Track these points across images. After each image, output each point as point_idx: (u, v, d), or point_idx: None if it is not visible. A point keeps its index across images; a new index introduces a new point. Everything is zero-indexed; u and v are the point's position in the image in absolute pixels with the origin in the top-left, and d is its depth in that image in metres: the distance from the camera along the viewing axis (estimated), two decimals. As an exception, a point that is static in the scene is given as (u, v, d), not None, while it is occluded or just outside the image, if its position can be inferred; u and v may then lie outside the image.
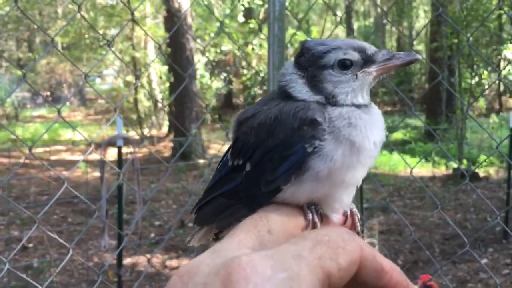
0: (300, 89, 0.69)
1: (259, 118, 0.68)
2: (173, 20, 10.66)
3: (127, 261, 5.50)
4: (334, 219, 0.68)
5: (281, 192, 0.65)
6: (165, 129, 14.33)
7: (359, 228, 0.70)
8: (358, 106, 0.68)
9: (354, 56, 0.68)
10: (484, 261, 5.61)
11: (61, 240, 1.81)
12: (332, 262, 0.48)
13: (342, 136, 0.64)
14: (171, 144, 11.80)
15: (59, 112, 1.77)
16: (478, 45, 10.09)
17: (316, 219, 0.64)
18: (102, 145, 5.84)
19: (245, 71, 14.12)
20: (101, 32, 12.77)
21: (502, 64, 11.67)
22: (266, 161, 0.66)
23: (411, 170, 2.20)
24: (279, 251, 0.48)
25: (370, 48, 0.69)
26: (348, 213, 0.70)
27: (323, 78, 0.69)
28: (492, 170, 9.49)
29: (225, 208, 0.72)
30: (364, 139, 0.65)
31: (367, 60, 0.69)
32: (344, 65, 0.68)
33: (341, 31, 21.29)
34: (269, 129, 0.66)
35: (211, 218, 0.74)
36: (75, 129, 2.04)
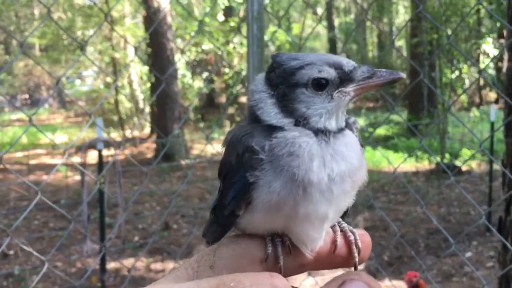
0: (269, 111, 0.62)
1: (227, 139, 0.65)
2: (152, 19, 10.55)
3: (111, 265, 5.41)
4: (306, 253, 0.61)
5: (239, 218, 0.62)
6: (147, 130, 14.19)
7: (356, 260, 0.62)
8: (324, 132, 0.60)
9: (330, 73, 0.61)
10: (468, 254, 5.66)
11: (36, 253, 1.74)
12: None
13: (280, 167, 0.58)
14: (154, 145, 11.68)
15: (30, 120, 1.70)
16: (458, 40, 10.17)
17: (279, 252, 0.60)
18: (82, 148, 5.74)
19: (226, 70, 14.05)
20: (79, 33, 12.59)
21: (481, 58, 11.79)
22: (225, 184, 0.64)
23: (395, 169, 2.17)
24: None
25: (348, 64, 0.62)
26: (339, 241, 0.62)
27: (295, 97, 0.61)
28: (474, 164, 9.59)
29: (211, 225, 0.70)
30: (308, 172, 0.58)
31: (344, 78, 0.61)
32: (319, 84, 0.61)
33: (322, 28, 21.35)
34: (227, 152, 0.64)
35: (206, 234, 0.72)
36: (46, 135, 1.96)
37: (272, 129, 0.61)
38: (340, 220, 0.65)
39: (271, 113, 0.62)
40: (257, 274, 0.52)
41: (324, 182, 0.58)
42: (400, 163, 2.55)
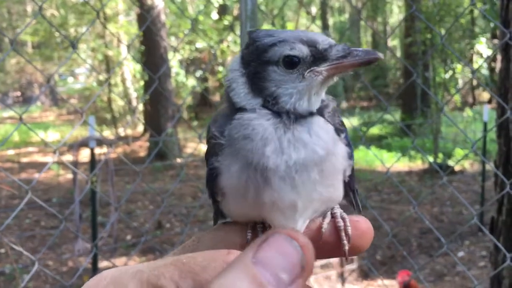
0: (239, 91, 0.59)
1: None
2: (146, 17, 10.50)
3: (103, 264, 5.38)
4: None
5: (220, 205, 0.61)
6: (140, 128, 14.14)
7: (346, 247, 0.57)
8: (290, 114, 0.57)
9: (303, 51, 0.57)
10: (460, 254, 5.68)
11: (25, 253, 1.72)
12: (159, 281, 0.46)
13: (236, 151, 0.56)
14: (147, 144, 11.64)
15: (21, 118, 1.68)
16: (451, 40, 10.21)
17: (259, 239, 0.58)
18: (74, 146, 5.70)
19: (220, 68, 14.02)
20: (72, 30, 12.51)
21: (475, 58, 11.84)
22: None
23: (388, 169, 2.16)
24: (141, 266, 0.49)
25: (323, 42, 0.57)
26: (324, 226, 0.58)
27: (266, 76, 0.58)
28: (467, 164, 9.64)
29: (213, 214, 0.69)
30: (262, 157, 0.55)
31: (317, 57, 0.57)
32: (290, 62, 0.57)
33: (316, 27, 21.37)
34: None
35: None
36: (37, 134, 1.94)
37: (238, 111, 0.58)
38: (335, 207, 0.61)
39: (241, 94, 0.59)
40: (215, 251, 0.50)
41: (282, 169, 0.55)
42: (393, 163, 2.54)
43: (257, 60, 0.59)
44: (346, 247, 0.57)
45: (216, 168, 0.58)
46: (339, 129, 0.59)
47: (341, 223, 0.58)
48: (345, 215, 0.59)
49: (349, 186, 0.63)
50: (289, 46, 0.57)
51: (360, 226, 0.58)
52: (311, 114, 0.58)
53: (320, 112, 0.59)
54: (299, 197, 0.56)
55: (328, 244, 0.58)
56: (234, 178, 0.56)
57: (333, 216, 0.59)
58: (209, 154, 0.60)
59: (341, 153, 0.59)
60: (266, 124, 0.56)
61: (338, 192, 0.61)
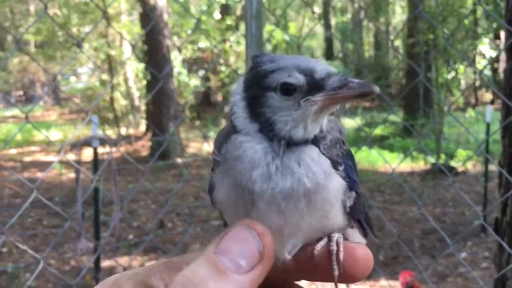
0: (239, 115, 0.60)
1: None
2: (148, 17, 10.51)
3: (105, 263, 5.39)
4: (277, 260, 0.57)
5: (223, 215, 0.63)
6: (143, 127, 14.15)
7: (335, 272, 0.57)
8: (284, 141, 0.57)
9: (299, 79, 0.57)
10: (463, 255, 5.67)
11: (30, 251, 1.72)
12: (149, 280, 0.49)
13: (228, 170, 0.57)
14: (149, 143, 11.65)
15: (26, 116, 1.68)
16: (454, 40, 10.20)
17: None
18: (77, 145, 5.71)
19: (223, 68, 14.02)
20: (75, 29, 12.52)
21: (477, 59, 11.82)
22: None
23: (393, 170, 2.16)
24: (139, 269, 0.53)
25: (321, 72, 0.57)
26: (317, 249, 0.58)
27: (265, 101, 0.58)
28: (469, 165, 9.62)
29: None
30: (249, 179, 0.55)
31: (314, 86, 0.57)
32: (287, 89, 0.57)
33: (318, 27, 21.37)
34: None
35: None
36: (42, 133, 1.94)
37: (237, 132, 0.60)
38: (336, 233, 0.60)
39: (240, 118, 0.60)
40: (204, 250, 0.51)
41: (268, 194, 0.55)
42: (398, 164, 2.54)
43: (257, 85, 0.59)
44: (335, 272, 0.57)
45: (214, 182, 0.60)
46: (336, 162, 0.58)
47: (334, 248, 0.58)
48: (341, 240, 0.58)
49: (352, 216, 0.62)
50: (287, 73, 0.57)
51: (355, 253, 0.57)
52: (306, 143, 0.58)
53: (317, 142, 0.58)
54: (286, 223, 0.56)
55: (320, 268, 0.58)
56: (225, 195, 0.58)
57: (330, 239, 0.59)
58: (212, 167, 0.62)
59: (335, 186, 0.58)
60: (257, 148, 0.57)
61: (334, 222, 0.59)
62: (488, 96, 17.45)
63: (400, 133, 12.82)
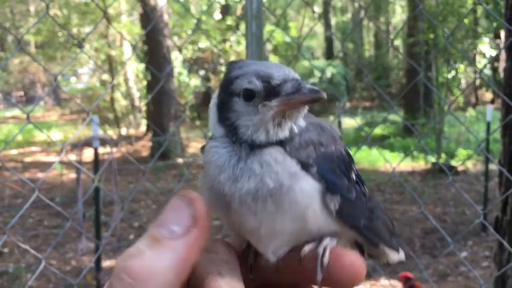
0: (212, 121, 0.63)
1: None
2: (149, 17, 10.52)
3: (106, 263, 5.39)
4: (263, 261, 0.59)
5: None
6: (143, 128, 14.16)
7: (318, 276, 0.56)
8: (246, 144, 0.58)
9: (256, 85, 0.58)
10: (464, 254, 5.67)
11: (32, 251, 1.73)
12: None
13: (204, 173, 0.60)
14: (150, 143, 11.65)
15: (28, 117, 1.69)
16: (454, 40, 10.19)
17: (250, 252, 0.61)
18: (78, 146, 5.71)
19: (223, 68, 13.99)
20: (75, 30, 12.53)
21: (477, 58, 11.83)
22: None
23: (393, 169, 2.16)
24: None
25: (277, 78, 0.58)
26: (304, 251, 0.58)
27: (231, 106, 0.60)
28: (470, 164, 9.62)
29: None
30: (218, 182, 0.58)
31: (270, 92, 0.58)
32: (248, 95, 0.59)
33: (319, 27, 21.36)
34: None
35: None
36: (44, 132, 1.95)
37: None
38: (327, 237, 0.59)
39: (212, 122, 0.63)
40: None
41: (237, 196, 0.57)
42: (398, 163, 2.54)
43: (226, 91, 0.61)
44: (318, 276, 0.57)
45: (199, 186, 0.62)
46: (306, 163, 0.58)
47: (320, 251, 0.57)
48: (329, 245, 0.58)
49: (345, 222, 0.60)
50: (247, 79, 0.58)
51: (342, 260, 0.56)
52: (270, 144, 0.58)
53: (284, 144, 0.59)
54: (261, 225, 0.57)
55: (307, 271, 0.57)
56: (206, 198, 0.58)
57: (319, 243, 0.59)
58: None
59: (304, 188, 0.57)
60: (222, 152, 0.59)
61: (314, 225, 0.58)
62: (488, 95, 17.45)
63: (400, 132, 12.82)
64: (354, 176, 0.64)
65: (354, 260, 0.56)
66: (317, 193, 0.57)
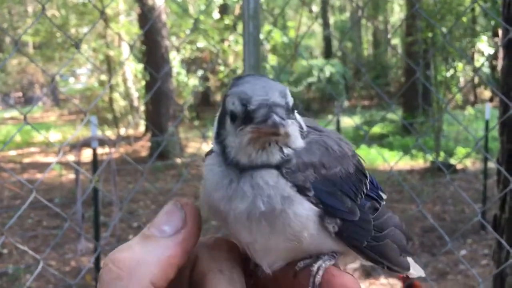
0: (213, 132, 0.62)
1: None
2: (147, 17, 10.51)
3: (105, 264, 5.38)
4: (260, 271, 0.59)
5: None
6: (142, 128, 14.16)
7: None
8: (237, 165, 0.58)
9: (237, 108, 0.57)
10: (463, 252, 5.68)
11: (31, 252, 1.73)
12: None
13: (204, 186, 0.61)
14: (149, 144, 11.65)
15: (25, 117, 1.68)
16: (452, 38, 10.20)
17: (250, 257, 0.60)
18: (77, 146, 5.71)
19: (221, 68, 14.03)
20: (73, 30, 12.52)
21: (476, 56, 11.83)
22: None
23: (391, 168, 2.17)
24: None
25: (254, 102, 0.55)
26: (299, 265, 0.58)
27: (224, 123, 0.59)
28: (468, 162, 9.63)
29: None
30: (214, 200, 0.58)
31: (247, 117, 0.56)
32: (231, 116, 0.58)
33: (317, 26, 21.37)
34: None
35: None
36: (41, 133, 1.94)
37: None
38: (326, 254, 0.59)
39: (212, 136, 0.62)
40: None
41: (232, 215, 0.57)
42: (396, 162, 2.54)
43: (223, 106, 0.60)
44: None
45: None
46: (303, 187, 0.56)
47: (313, 269, 0.57)
48: (325, 264, 0.58)
49: (344, 243, 0.60)
50: (232, 101, 0.57)
51: (333, 281, 0.56)
52: (264, 167, 0.57)
53: (278, 166, 0.57)
54: (256, 242, 0.57)
55: (302, 287, 0.57)
56: (205, 208, 0.59)
57: (315, 261, 0.59)
58: None
59: (299, 211, 0.56)
60: (216, 171, 0.58)
61: (313, 246, 0.58)
62: (487, 93, 17.46)
63: (399, 131, 12.82)
64: (363, 193, 0.63)
65: (345, 282, 0.56)
66: (314, 216, 0.57)
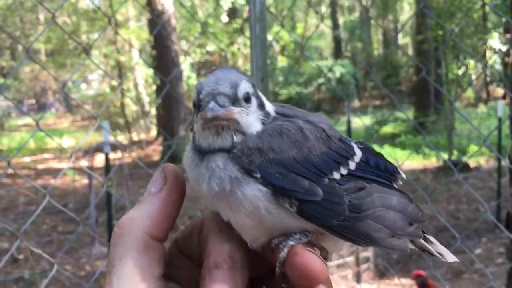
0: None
1: None
2: (156, 22, 10.58)
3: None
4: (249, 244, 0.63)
5: None
6: (154, 132, 14.24)
7: (276, 270, 0.59)
8: (201, 150, 0.63)
9: (194, 97, 0.63)
10: (478, 251, 5.63)
11: (45, 255, 1.75)
12: None
13: None
14: (161, 148, 11.71)
15: (37, 124, 1.71)
16: (463, 35, 10.12)
17: None
18: (89, 152, 5.77)
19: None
20: (84, 37, 12.64)
21: (488, 53, 11.72)
22: None
23: (399, 166, 2.16)
24: None
25: (204, 92, 0.61)
26: (273, 242, 0.61)
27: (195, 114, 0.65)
28: (482, 160, 9.54)
29: None
30: (190, 182, 0.64)
31: (199, 105, 0.62)
32: (193, 104, 0.64)
33: (326, 27, 21.32)
34: None
35: None
36: (53, 138, 1.97)
37: None
38: (298, 233, 0.61)
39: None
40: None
41: (205, 194, 0.62)
42: (404, 160, 2.54)
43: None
44: (276, 269, 0.59)
45: None
46: (249, 169, 0.60)
47: (281, 247, 0.59)
48: (290, 242, 0.59)
49: (311, 222, 0.61)
50: (195, 90, 0.63)
51: (294, 259, 0.58)
52: (218, 151, 0.62)
53: (228, 150, 0.61)
54: (230, 218, 0.61)
55: (275, 263, 0.60)
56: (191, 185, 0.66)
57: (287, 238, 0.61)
58: None
59: (247, 192, 0.59)
60: (188, 156, 0.65)
61: (278, 224, 0.60)
62: (500, 91, 17.28)
63: (411, 130, 12.74)
64: (341, 174, 0.63)
65: (306, 261, 0.57)
66: (263, 196, 0.59)
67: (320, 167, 0.62)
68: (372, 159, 0.70)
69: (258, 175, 0.60)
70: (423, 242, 0.70)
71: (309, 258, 0.57)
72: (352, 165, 0.66)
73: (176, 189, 0.63)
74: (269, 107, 0.66)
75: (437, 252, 0.69)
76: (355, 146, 0.69)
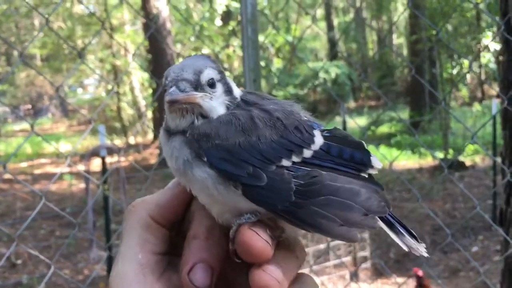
0: None
1: None
2: (151, 26, 10.60)
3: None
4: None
5: None
6: (150, 136, 14.24)
7: (230, 247, 0.64)
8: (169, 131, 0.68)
9: (163, 81, 0.68)
10: (475, 249, 5.66)
11: (42, 257, 1.76)
12: None
13: None
14: (158, 151, 11.71)
15: (32, 127, 1.73)
16: (457, 35, 10.16)
17: None
18: (86, 156, 5.78)
19: (227, 73, 14.05)
20: (79, 41, 12.65)
21: (482, 52, 11.76)
22: None
23: (390, 163, 2.19)
24: None
25: (170, 77, 0.67)
26: (234, 222, 0.64)
27: None
28: (478, 158, 9.58)
29: None
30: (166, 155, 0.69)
31: (165, 90, 0.67)
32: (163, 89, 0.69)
33: (321, 28, 21.36)
34: None
35: None
36: (49, 142, 1.99)
37: None
38: (250, 213, 0.64)
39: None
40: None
41: (172, 169, 0.67)
42: (395, 158, 2.56)
43: None
44: (230, 247, 0.65)
45: None
46: (198, 153, 0.64)
47: (232, 225, 0.64)
48: (239, 221, 0.63)
49: (257, 205, 0.63)
50: (164, 76, 0.68)
51: (238, 237, 0.62)
52: (179, 133, 0.67)
53: (185, 133, 0.66)
54: (194, 193, 0.67)
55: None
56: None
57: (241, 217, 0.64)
58: None
59: (196, 174, 0.64)
60: (160, 135, 0.70)
61: (230, 203, 0.64)
62: (494, 89, 17.33)
63: (407, 130, 12.78)
64: (292, 162, 0.65)
65: (248, 240, 0.61)
66: (210, 178, 0.64)
67: (267, 154, 0.64)
68: (335, 148, 0.68)
69: (205, 159, 0.64)
70: (389, 231, 0.69)
71: (249, 237, 0.61)
72: (307, 153, 0.66)
73: (186, 191, 0.68)
74: (237, 92, 0.70)
75: (405, 244, 0.68)
76: (317, 134, 0.69)
